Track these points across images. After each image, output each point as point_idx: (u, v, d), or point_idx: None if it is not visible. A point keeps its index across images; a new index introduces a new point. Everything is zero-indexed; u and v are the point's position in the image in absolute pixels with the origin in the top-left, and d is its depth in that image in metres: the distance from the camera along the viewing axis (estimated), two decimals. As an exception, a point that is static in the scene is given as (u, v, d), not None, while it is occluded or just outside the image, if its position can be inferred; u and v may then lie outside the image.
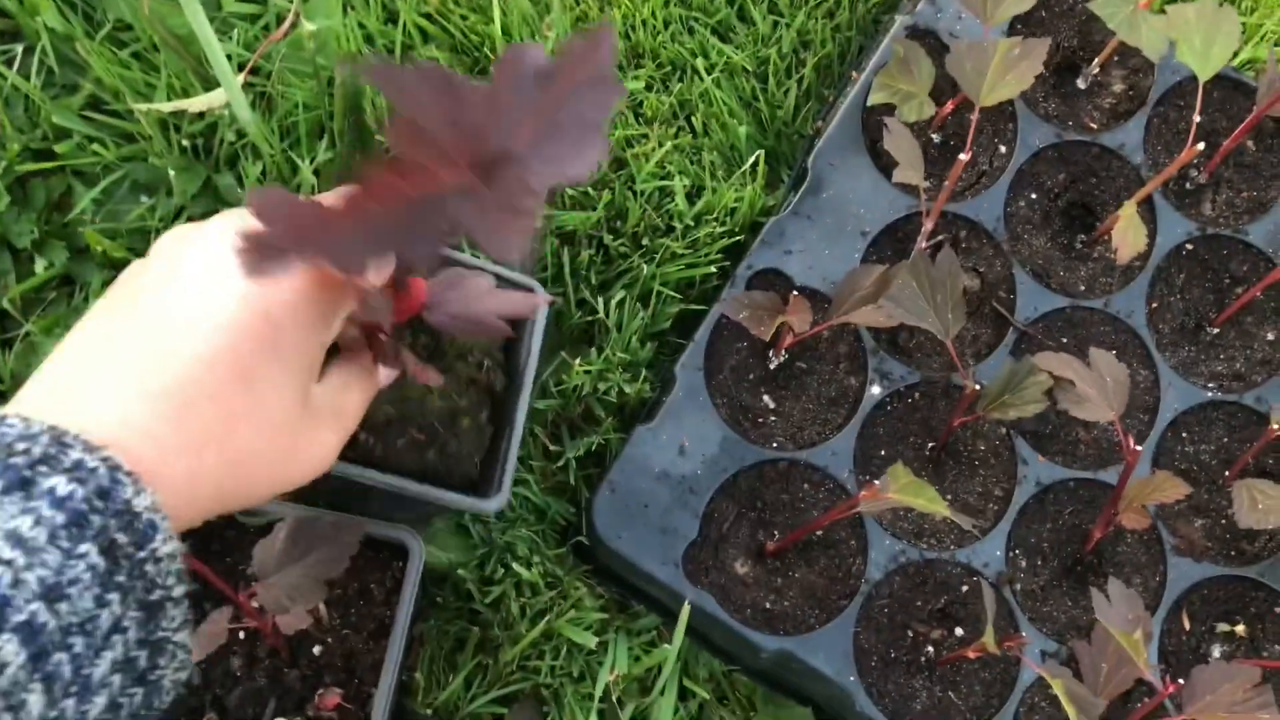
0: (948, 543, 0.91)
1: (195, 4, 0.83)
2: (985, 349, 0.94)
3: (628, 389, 0.91)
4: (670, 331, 0.96)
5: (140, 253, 0.88)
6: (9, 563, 0.38)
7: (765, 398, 0.93)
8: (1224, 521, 0.93)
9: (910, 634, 0.89)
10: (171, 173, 0.87)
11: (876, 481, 0.78)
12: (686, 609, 0.85)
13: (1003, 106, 0.97)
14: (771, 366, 0.93)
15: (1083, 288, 0.96)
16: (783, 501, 0.91)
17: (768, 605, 0.88)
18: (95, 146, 0.88)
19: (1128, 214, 0.88)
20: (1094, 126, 0.98)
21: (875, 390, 0.92)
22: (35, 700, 0.37)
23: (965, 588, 0.90)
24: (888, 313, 0.84)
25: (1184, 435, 0.95)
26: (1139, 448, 0.83)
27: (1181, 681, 0.88)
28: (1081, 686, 0.79)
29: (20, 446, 0.40)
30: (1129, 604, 0.80)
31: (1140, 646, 0.76)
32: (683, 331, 0.95)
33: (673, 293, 0.93)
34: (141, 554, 0.41)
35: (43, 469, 0.40)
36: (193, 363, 0.44)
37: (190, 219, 0.90)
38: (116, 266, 0.89)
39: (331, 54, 0.90)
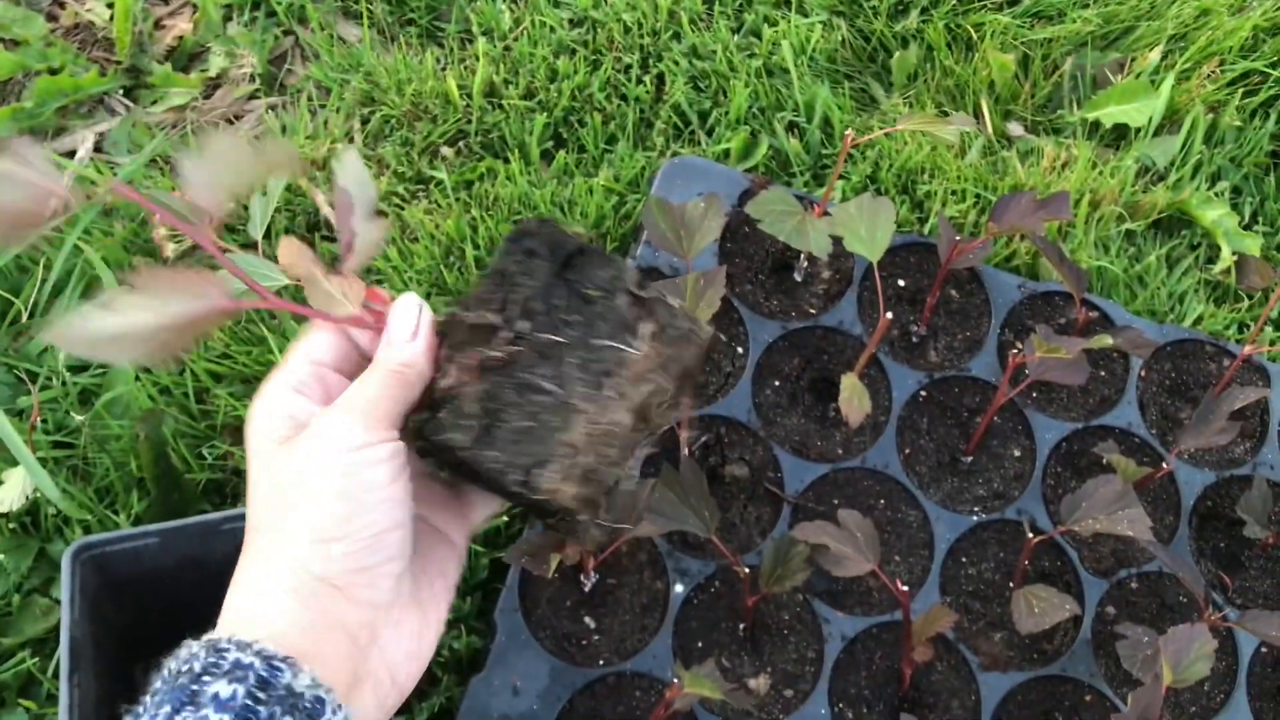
0: (775, 712, 0.98)
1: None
2: (768, 525, 1.04)
3: (457, 645, 0.99)
4: (494, 579, 1.05)
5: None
6: None
7: (586, 619, 1.01)
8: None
9: (762, 809, 0.96)
10: (1, 556, 0.95)
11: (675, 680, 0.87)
12: (544, 841, 0.90)
13: (729, 314, 1.10)
14: (586, 589, 1.02)
15: (841, 451, 1.07)
16: (620, 714, 0.98)
17: (626, 816, 0.94)
18: (-71, 549, 0.97)
19: (848, 384, 1.00)
20: (814, 311, 1.12)
21: (679, 589, 1.01)
22: None
23: (802, 751, 0.97)
24: (657, 523, 0.94)
25: (963, 560, 1.05)
26: (905, 588, 0.93)
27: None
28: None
29: (183, 667, 0.47)
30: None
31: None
32: (506, 575, 1.04)
33: (480, 546, 1.03)
34: None
35: (206, 679, 0.46)
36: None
37: (30, 592, 0.98)
38: (-33, 649, 0.96)
39: (131, 414, 1.01)
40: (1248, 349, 1.08)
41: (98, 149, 1.21)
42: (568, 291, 0.53)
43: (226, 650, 0.47)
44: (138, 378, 1.04)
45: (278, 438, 0.52)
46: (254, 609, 0.50)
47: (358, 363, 0.55)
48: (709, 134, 1.26)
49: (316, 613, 0.50)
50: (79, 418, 1.01)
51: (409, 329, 0.54)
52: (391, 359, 0.54)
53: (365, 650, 0.52)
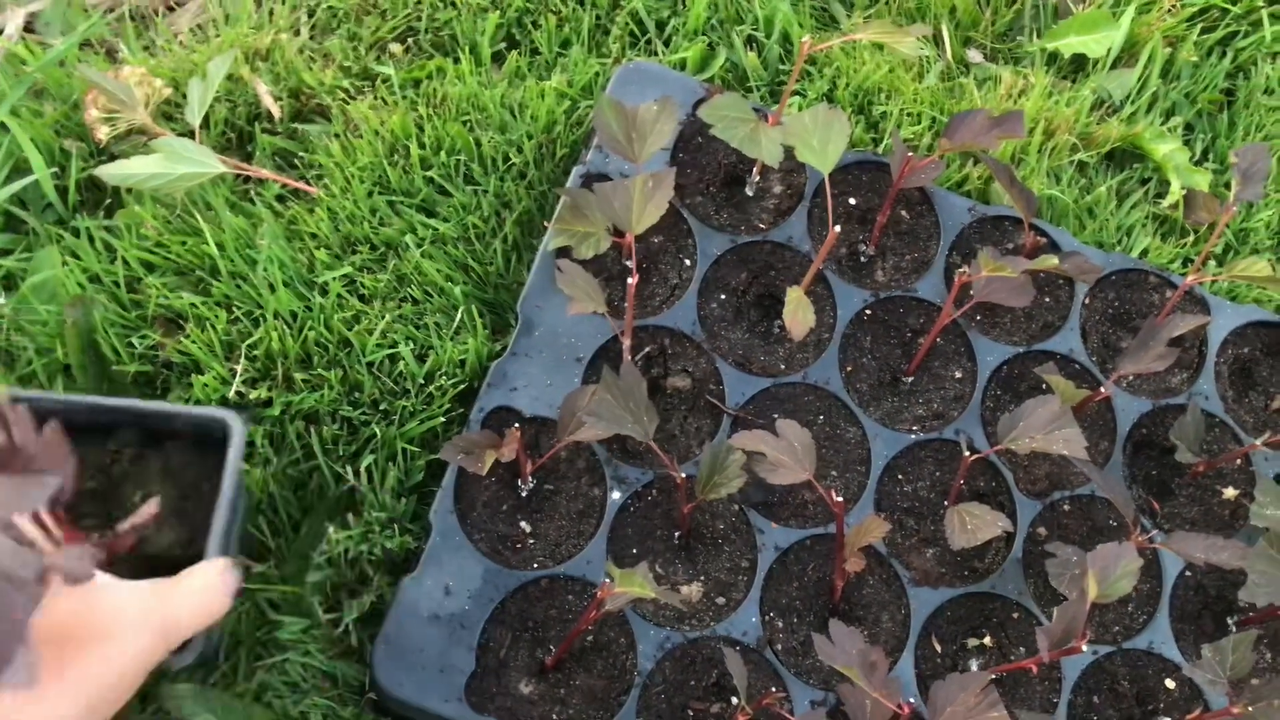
0: (707, 620, 0.98)
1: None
2: (707, 436, 1.04)
3: (390, 544, 0.98)
4: (430, 481, 1.04)
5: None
6: None
7: (522, 524, 1.01)
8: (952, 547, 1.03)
9: (690, 713, 0.96)
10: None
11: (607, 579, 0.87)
12: (471, 738, 0.90)
13: (679, 225, 1.09)
14: (523, 494, 1.01)
15: (783, 366, 1.07)
16: (551, 617, 0.98)
17: (554, 717, 0.95)
18: None
19: (793, 297, 1.00)
20: (763, 226, 1.11)
21: (616, 495, 1.01)
22: None
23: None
24: (596, 427, 0.93)
25: (899, 477, 1.05)
26: (840, 499, 0.93)
27: (913, 701, 0.96)
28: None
29: None
30: (850, 640, 0.88)
31: (858, 674, 0.84)
32: (442, 478, 1.03)
33: (416, 448, 1.01)
34: None
35: None
36: None
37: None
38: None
39: (59, 300, 0.98)
40: (1190, 279, 1.09)
41: (29, 29, 1.17)
42: None
43: None
44: (65, 263, 1.00)
45: None
46: None
47: None
48: (666, 44, 1.23)
49: None
50: (1, 300, 0.97)
51: None
52: None
53: None
